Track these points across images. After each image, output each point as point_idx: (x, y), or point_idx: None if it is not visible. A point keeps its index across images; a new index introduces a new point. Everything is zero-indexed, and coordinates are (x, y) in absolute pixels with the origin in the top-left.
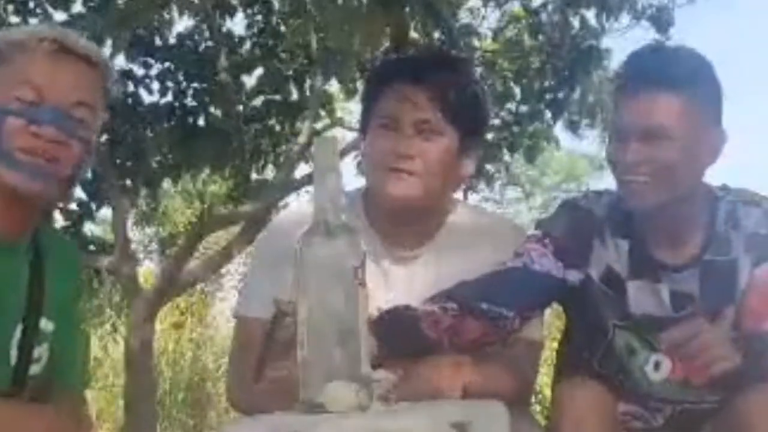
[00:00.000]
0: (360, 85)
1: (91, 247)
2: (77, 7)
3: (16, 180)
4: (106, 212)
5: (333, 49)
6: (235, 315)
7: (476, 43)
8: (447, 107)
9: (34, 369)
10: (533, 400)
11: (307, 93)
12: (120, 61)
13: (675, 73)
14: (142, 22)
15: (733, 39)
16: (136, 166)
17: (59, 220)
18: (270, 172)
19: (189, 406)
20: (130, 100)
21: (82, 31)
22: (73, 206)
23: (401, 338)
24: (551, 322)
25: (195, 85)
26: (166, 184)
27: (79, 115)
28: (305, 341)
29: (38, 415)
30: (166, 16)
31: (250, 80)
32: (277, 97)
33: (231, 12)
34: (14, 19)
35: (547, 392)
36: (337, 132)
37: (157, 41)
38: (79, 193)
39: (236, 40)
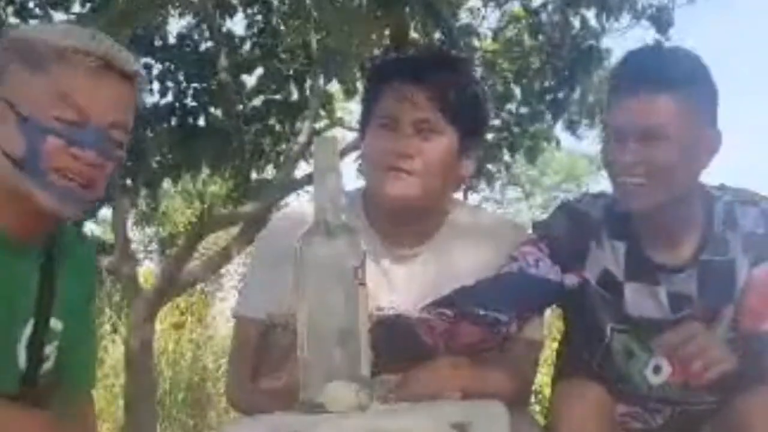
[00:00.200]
0: (360, 85)
1: None
2: (77, 8)
3: (46, 202)
4: (106, 212)
5: (333, 49)
6: (234, 315)
7: (476, 43)
8: (446, 107)
9: (45, 367)
10: (533, 400)
11: (308, 93)
12: None
13: (671, 74)
14: (142, 22)
15: (733, 39)
16: (136, 166)
17: None
18: (270, 172)
19: (189, 406)
20: None
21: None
22: None
23: (397, 345)
24: (552, 323)
25: (195, 85)
26: (166, 184)
27: (116, 136)
28: (305, 341)
29: (31, 419)
30: (167, 15)
31: (250, 80)
32: (278, 96)
33: (231, 12)
34: (13, 20)
35: (547, 392)
36: (337, 132)
37: (157, 41)
38: None
39: (236, 40)
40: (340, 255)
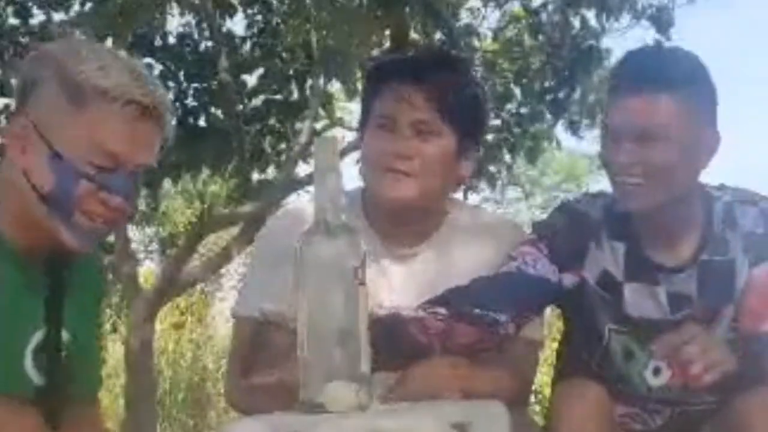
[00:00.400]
0: (360, 85)
1: None
2: (76, 8)
3: (67, 239)
4: None
5: (333, 48)
6: (232, 314)
7: (476, 43)
8: (445, 108)
9: (59, 376)
10: (533, 400)
11: (308, 93)
12: None
13: (670, 74)
14: (142, 22)
15: (733, 39)
16: None
17: None
18: (271, 173)
19: (189, 406)
20: None
21: (83, 30)
22: None
23: (391, 344)
24: (552, 323)
25: (195, 85)
26: (167, 184)
27: (140, 173)
28: (305, 341)
29: (22, 420)
30: (165, 14)
31: (251, 80)
32: (278, 97)
33: (231, 12)
34: (13, 20)
35: (547, 392)
36: (337, 132)
37: (158, 41)
38: None
39: (236, 40)
40: (340, 255)
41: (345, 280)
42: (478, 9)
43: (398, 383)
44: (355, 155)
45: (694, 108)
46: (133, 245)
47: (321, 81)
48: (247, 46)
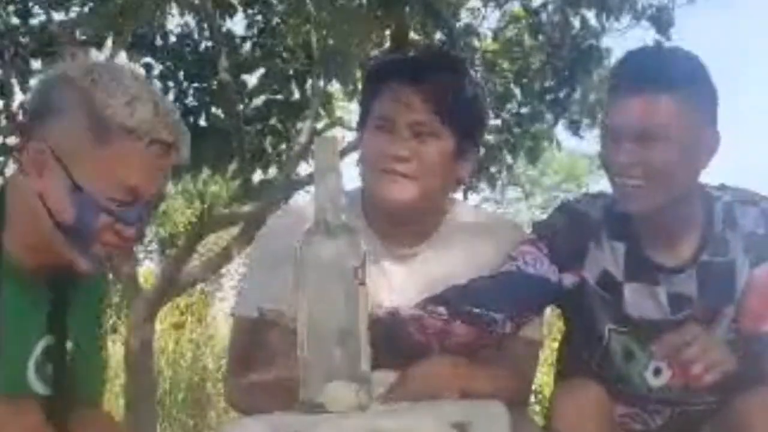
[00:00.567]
0: (360, 85)
1: None
2: (77, 8)
3: (83, 266)
4: None
5: (333, 48)
6: (231, 313)
7: (476, 43)
8: (442, 109)
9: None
10: (533, 400)
11: (308, 93)
12: (122, 61)
13: (670, 75)
14: (142, 22)
15: (733, 39)
16: None
17: None
18: (273, 173)
19: (189, 406)
20: None
21: (83, 30)
22: None
23: (389, 343)
24: (552, 323)
25: (196, 84)
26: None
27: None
28: (305, 341)
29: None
30: (165, 14)
31: (251, 80)
32: (279, 96)
33: (231, 12)
34: (14, 20)
35: (547, 392)
36: (337, 132)
37: (158, 41)
38: None
39: (237, 40)
40: (340, 255)
41: (345, 280)
42: (478, 9)
43: (398, 383)
44: (355, 155)
45: (694, 108)
46: None
47: (321, 81)
48: (247, 46)
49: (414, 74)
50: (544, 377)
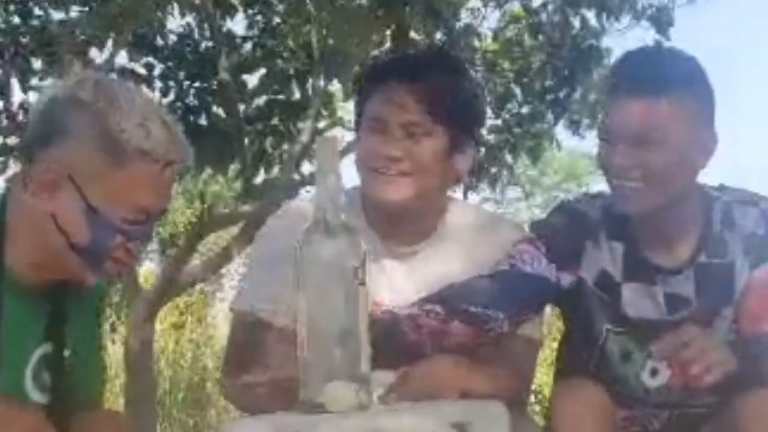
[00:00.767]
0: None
1: None
2: (77, 8)
3: (85, 275)
4: None
5: (334, 48)
6: (230, 308)
7: (476, 43)
8: (435, 109)
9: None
10: (533, 400)
11: (309, 92)
12: (122, 60)
13: (667, 77)
14: (142, 22)
15: (733, 39)
16: None
17: None
18: (276, 173)
19: (189, 406)
20: None
21: (83, 30)
22: None
23: (386, 343)
24: (552, 323)
25: (197, 84)
26: None
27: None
28: (305, 341)
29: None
30: (165, 14)
31: (252, 80)
32: (281, 96)
33: (231, 12)
34: (15, 19)
35: (547, 392)
36: (338, 132)
37: (158, 41)
38: None
39: (237, 40)
40: (340, 255)
41: (345, 280)
42: (478, 9)
43: (398, 383)
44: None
45: (691, 110)
46: None
47: (322, 81)
48: (248, 46)
49: (406, 74)
50: (543, 377)
